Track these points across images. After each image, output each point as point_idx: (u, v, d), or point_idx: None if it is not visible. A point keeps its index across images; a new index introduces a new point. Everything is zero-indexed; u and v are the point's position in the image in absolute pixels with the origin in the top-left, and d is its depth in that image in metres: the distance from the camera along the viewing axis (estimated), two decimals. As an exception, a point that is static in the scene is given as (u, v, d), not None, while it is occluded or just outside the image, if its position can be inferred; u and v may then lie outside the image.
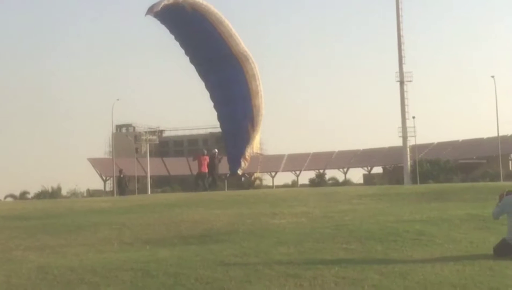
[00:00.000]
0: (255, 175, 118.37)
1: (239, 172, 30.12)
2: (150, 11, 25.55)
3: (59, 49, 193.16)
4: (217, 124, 33.93)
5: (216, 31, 27.89)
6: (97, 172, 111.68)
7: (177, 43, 29.87)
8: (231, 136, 29.81)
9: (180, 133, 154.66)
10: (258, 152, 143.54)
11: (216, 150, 36.33)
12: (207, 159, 34.96)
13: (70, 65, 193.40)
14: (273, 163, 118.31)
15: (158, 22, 28.08)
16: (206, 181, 35.28)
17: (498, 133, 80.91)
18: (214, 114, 32.48)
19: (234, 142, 29.62)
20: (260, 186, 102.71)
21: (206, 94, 30.47)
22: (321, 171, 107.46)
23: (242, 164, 29.09)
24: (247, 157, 28.97)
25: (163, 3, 25.20)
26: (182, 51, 30.35)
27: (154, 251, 13.83)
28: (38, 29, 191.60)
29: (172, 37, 29.64)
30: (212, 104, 30.73)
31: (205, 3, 26.79)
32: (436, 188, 28.96)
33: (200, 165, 35.04)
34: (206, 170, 34.92)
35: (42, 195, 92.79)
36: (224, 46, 28.08)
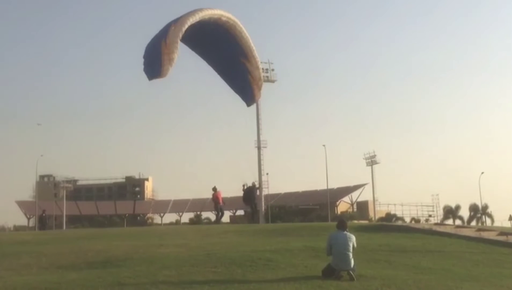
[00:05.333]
0: (148, 215, 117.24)
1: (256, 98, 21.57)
2: (158, 77, 17.08)
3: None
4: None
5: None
6: (22, 211, 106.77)
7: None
8: (231, 74, 21.08)
9: (91, 182, 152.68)
10: (151, 197, 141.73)
11: (256, 183, 32.09)
12: (219, 193, 31.96)
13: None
14: (162, 206, 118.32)
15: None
16: (220, 214, 32.95)
17: (327, 186, 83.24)
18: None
19: (236, 76, 21.03)
20: (151, 224, 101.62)
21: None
22: (198, 213, 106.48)
23: (255, 88, 20.67)
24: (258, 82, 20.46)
25: (169, 68, 17.02)
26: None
27: (65, 274, 13.27)
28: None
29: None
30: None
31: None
32: (282, 227, 29.28)
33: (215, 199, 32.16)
34: (219, 203, 32.01)
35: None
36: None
